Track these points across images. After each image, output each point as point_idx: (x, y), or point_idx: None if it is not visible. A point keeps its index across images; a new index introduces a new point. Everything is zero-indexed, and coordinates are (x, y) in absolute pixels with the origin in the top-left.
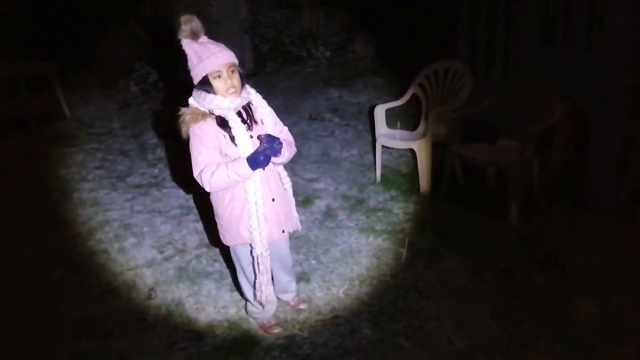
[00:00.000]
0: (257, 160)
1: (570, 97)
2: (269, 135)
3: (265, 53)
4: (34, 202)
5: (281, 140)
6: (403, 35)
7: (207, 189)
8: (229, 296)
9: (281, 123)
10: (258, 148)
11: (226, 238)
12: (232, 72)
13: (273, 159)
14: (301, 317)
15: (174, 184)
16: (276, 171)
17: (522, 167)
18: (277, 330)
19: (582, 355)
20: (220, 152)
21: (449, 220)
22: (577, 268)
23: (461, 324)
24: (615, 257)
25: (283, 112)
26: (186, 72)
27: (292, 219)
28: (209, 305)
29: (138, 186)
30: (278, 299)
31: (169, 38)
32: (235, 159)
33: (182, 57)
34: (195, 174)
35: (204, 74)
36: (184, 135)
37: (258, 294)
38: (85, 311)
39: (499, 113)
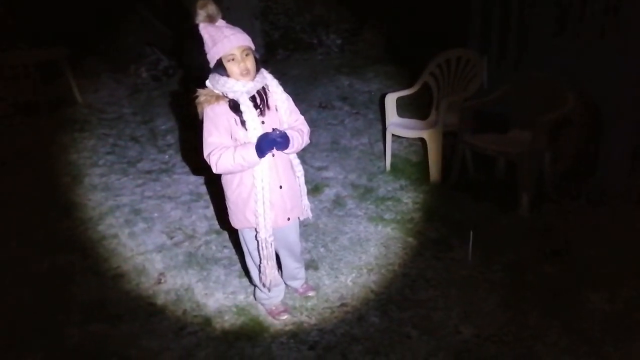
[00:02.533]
0: (261, 146)
1: (583, 86)
2: (282, 133)
3: (276, 40)
4: (46, 186)
5: (290, 134)
6: (415, 23)
7: (214, 171)
8: (237, 282)
9: (297, 111)
10: (265, 134)
11: (234, 221)
12: (246, 55)
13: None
14: (309, 304)
15: (184, 170)
16: (287, 158)
17: (534, 157)
18: (285, 317)
19: (590, 347)
20: (231, 135)
21: (458, 210)
22: (587, 259)
23: (469, 313)
24: (626, 249)
25: (293, 100)
26: (203, 55)
27: (300, 207)
28: (218, 290)
29: (148, 172)
30: (287, 285)
31: (179, 24)
32: (243, 143)
33: (200, 41)
34: (204, 155)
35: (217, 57)
36: (200, 116)
37: (262, 277)
38: (95, 295)
39: (511, 103)
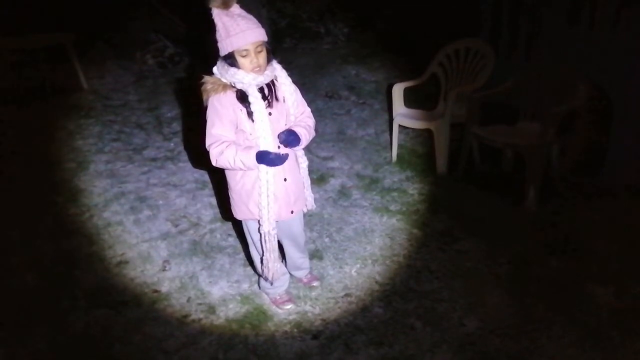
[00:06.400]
0: (266, 159)
1: (594, 79)
2: (288, 133)
3: (282, 28)
4: (51, 172)
5: (298, 131)
6: (424, 13)
7: (214, 164)
8: (242, 270)
9: (304, 103)
10: (272, 154)
11: (236, 212)
12: (259, 51)
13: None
14: (313, 293)
15: (189, 158)
16: (292, 150)
17: (542, 150)
18: (289, 306)
19: (595, 342)
20: (237, 126)
21: (464, 202)
22: (594, 254)
23: (473, 306)
24: (634, 244)
25: (299, 89)
26: (213, 41)
27: (304, 200)
28: (222, 279)
29: (154, 159)
30: (291, 275)
31: (185, 10)
32: (246, 146)
33: (211, 26)
34: (206, 145)
35: (230, 50)
36: (204, 103)
37: (265, 270)
38: (100, 281)
39: (520, 94)
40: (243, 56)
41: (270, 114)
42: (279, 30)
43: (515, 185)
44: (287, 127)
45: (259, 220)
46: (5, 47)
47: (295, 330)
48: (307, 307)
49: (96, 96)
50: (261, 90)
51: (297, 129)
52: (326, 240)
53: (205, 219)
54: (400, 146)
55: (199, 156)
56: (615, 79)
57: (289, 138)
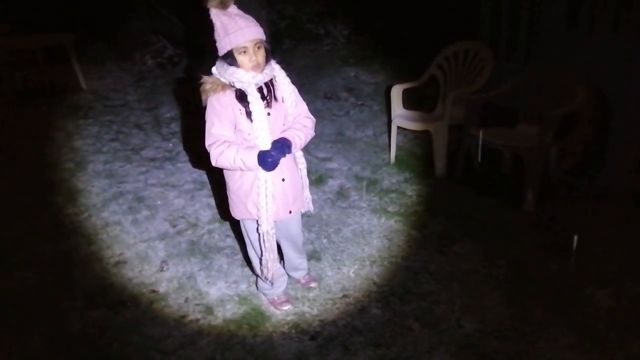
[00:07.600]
0: (265, 161)
1: (592, 81)
2: (277, 142)
3: (282, 29)
4: (50, 172)
5: (290, 136)
6: (423, 15)
7: (213, 164)
8: (240, 271)
9: (302, 102)
10: (270, 150)
11: (235, 212)
12: (257, 48)
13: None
14: (311, 294)
15: (187, 158)
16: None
17: (541, 152)
18: (287, 307)
19: (593, 344)
20: (235, 126)
21: (463, 204)
22: (592, 256)
23: (471, 308)
24: (631, 246)
25: (298, 90)
26: (211, 42)
27: (302, 200)
28: (220, 279)
29: (152, 159)
30: (289, 276)
31: (185, 12)
32: (248, 146)
33: (210, 26)
34: (206, 145)
35: (229, 48)
36: (204, 103)
37: (264, 270)
38: (98, 281)
39: (519, 97)
40: (242, 54)
41: (269, 114)
42: (279, 31)
43: (514, 187)
44: (285, 127)
45: (257, 220)
46: (5, 47)
47: (293, 331)
48: (305, 308)
49: (95, 96)
50: (260, 90)
51: (289, 133)
52: (324, 241)
53: (203, 219)
54: (398, 148)
55: (198, 156)
56: (614, 81)
57: (276, 155)
